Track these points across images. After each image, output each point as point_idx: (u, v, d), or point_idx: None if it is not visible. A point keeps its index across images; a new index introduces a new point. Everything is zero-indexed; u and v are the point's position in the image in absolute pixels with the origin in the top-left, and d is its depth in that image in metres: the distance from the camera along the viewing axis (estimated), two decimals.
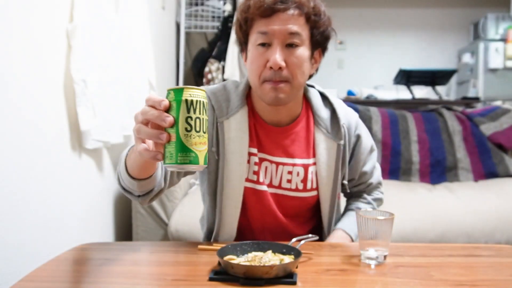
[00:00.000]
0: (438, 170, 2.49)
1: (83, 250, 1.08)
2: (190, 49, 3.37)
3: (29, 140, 1.27)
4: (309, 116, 1.11)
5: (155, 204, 1.98)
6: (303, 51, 0.99)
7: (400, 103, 3.32)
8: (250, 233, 1.12)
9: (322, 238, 1.14)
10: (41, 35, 1.32)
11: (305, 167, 1.08)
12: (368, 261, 0.95)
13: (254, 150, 1.07)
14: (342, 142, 1.07)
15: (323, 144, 1.08)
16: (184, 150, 0.68)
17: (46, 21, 1.35)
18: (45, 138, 1.35)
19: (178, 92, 0.69)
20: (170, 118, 0.68)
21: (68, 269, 0.99)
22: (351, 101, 3.04)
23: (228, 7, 3.34)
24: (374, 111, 2.62)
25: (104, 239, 1.84)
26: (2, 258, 1.13)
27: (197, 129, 0.69)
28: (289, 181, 1.08)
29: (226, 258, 0.89)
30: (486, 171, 2.49)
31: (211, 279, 0.84)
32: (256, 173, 1.07)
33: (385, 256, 0.95)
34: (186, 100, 0.69)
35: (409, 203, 2.11)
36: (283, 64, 0.96)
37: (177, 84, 3.29)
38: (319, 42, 1.03)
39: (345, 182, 1.14)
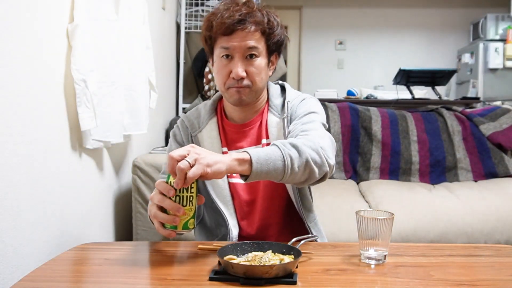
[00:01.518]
0: (437, 170, 2.49)
1: (83, 250, 1.08)
2: (190, 49, 3.36)
3: (29, 140, 1.27)
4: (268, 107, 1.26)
5: None
6: (261, 61, 1.15)
7: (400, 103, 3.33)
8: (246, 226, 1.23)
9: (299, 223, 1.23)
10: (41, 35, 1.32)
11: (263, 146, 1.21)
12: (368, 261, 0.95)
13: (225, 149, 1.23)
14: (284, 115, 1.19)
15: (272, 123, 1.21)
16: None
17: (46, 21, 1.35)
18: (45, 138, 1.35)
19: (168, 176, 0.90)
20: (182, 209, 0.89)
21: (68, 269, 0.99)
22: (351, 101, 3.04)
23: None
24: (374, 111, 2.62)
25: (104, 239, 1.84)
26: (2, 258, 1.13)
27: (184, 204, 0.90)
28: None
29: (226, 258, 0.89)
30: (486, 171, 2.49)
31: (211, 279, 0.84)
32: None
33: (385, 256, 0.95)
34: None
35: (409, 203, 2.11)
36: (244, 74, 1.13)
37: (177, 84, 3.29)
38: (275, 49, 1.19)
39: None
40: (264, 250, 0.95)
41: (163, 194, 0.90)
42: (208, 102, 1.27)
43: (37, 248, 1.29)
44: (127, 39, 1.87)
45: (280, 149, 0.95)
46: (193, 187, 0.90)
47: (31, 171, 1.27)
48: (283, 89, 1.28)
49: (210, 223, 1.26)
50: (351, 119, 2.54)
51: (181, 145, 1.25)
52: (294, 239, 1.00)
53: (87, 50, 1.51)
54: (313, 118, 1.14)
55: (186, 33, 3.33)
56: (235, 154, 0.93)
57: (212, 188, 1.22)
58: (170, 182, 0.89)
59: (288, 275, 0.84)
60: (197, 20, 3.36)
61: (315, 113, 1.17)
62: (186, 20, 3.31)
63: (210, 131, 1.23)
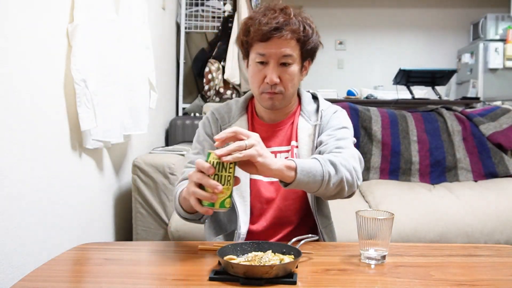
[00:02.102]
0: (437, 170, 2.49)
1: (83, 250, 1.08)
2: (190, 49, 3.36)
3: (29, 140, 1.27)
4: (300, 111, 1.30)
5: (155, 204, 1.98)
6: (294, 68, 1.18)
7: (400, 103, 3.32)
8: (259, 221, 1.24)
9: (315, 225, 1.24)
10: (41, 35, 1.33)
11: (292, 150, 1.25)
12: (368, 261, 0.95)
13: None
14: (318, 122, 1.24)
15: (304, 128, 1.25)
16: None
17: (46, 21, 1.35)
18: (45, 138, 1.35)
19: (208, 155, 0.93)
20: (220, 187, 0.91)
21: (68, 269, 0.99)
22: (351, 101, 3.04)
23: (228, 7, 3.34)
24: (374, 111, 2.62)
25: (104, 239, 1.84)
26: (2, 258, 1.13)
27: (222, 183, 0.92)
28: None
29: (226, 258, 0.89)
30: (486, 171, 2.49)
31: (211, 279, 0.84)
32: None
33: (385, 256, 0.95)
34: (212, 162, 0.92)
35: (409, 203, 2.11)
36: (277, 80, 1.16)
37: (177, 84, 3.29)
38: (309, 55, 1.22)
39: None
40: (264, 250, 0.95)
41: (202, 173, 0.92)
42: (240, 99, 1.31)
43: (37, 248, 1.29)
44: (127, 39, 1.88)
45: (321, 164, 1.03)
46: (231, 167, 0.93)
47: (31, 171, 1.27)
48: (314, 97, 1.33)
49: (222, 217, 1.26)
50: (351, 119, 2.51)
51: (209, 136, 1.26)
52: (294, 239, 1.00)
53: (87, 50, 1.51)
54: (346, 135, 1.21)
55: (186, 33, 3.33)
56: (284, 160, 1.00)
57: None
58: (210, 161, 0.92)
59: (288, 275, 0.84)
60: (197, 20, 3.36)
61: (347, 128, 1.24)
62: (186, 20, 3.31)
63: (239, 126, 1.22)
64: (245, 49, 1.21)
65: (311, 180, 1.00)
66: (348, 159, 1.09)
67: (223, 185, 0.92)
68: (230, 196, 0.94)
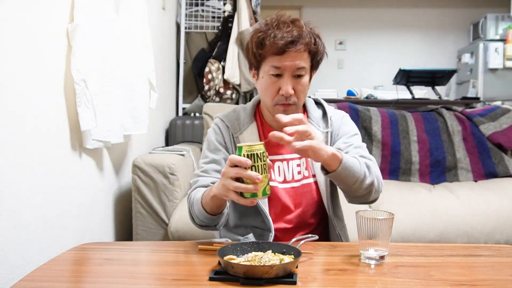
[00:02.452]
0: (437, 170, 2.49)
1: (83, 250, 1.08)
2: (190, 49, 3.36)
3: (29, 140, 1.27)
4: (306, 117, 1.31)
5: (155, 204, 1.98)
6: (306, 78, 1.21)
7: (400, 103, 3.32)
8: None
9: (327, 226, 1.29)
10: (41, 35, 1.33)
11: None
12: (368, 261, 0.95)
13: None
14: (329, 129, 1.28)
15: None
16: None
17: (46, 21, 1.35)
18: (45, 138, 1.35)
19: (240, 149, 0.96)
20: (260, 176, 0.94)
21: (68, 269, 0.99)
22: (351, 101, 3.04)
23: (228, 7, 3.33)
24: (374, 111, 2.62)
25: (104, 239, 1.84)
26: (2, 258, 1.13)
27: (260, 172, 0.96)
28: (299, 172, 1.27)
29: (226, 258, 0.89)
30: (486, 171, 2.49)
31: (211, 279, 0.84)
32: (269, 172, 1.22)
33: (384, 256, 0.95)
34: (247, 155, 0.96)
35: (409, 203, 2.11)
36: (292, 92, 1.18)
37: (177, 84, 3.29)
38: (317, 66, 1.26)
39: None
40: (264, 250, 0.95)
41: (237, 167, 0.95)
42: (248, 106, 1.33)
43: (37, 248, 1.29)
44: (127, 39, 1.88)
45: (359, 163, 1.10)
46: (265, 156, 0.96)
47: (31, 171, 1.27)
48: (316, 103, 1.36)
49: (254, 222, 1.26)
50: (351, 119, 2.54)
51: (221, 144, 1.28)
52: (294, 239, 1.00)
53: (87, 50, 1.51)
54: (361, 143, 1.26)
55: (186, 33, 3.33)
56: (333, 149, 1.05)
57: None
58: (244, 154, 0.95)
59: (288, 275, 0.84)
60: (197, 20, 3.36)
61: (358, 134, 1.30)
62: (186, 20, 3.31)
63: (251, 134, 1.27)
64: (257, 61, 1.22)
65: (350, 174, 1.07)
66: (376, 167, 1.18)
67: (261, 174, 0.95)
68: (268, 183, 0.97)
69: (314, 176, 1.27)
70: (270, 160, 1.23)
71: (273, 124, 1.28)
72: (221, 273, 0.85)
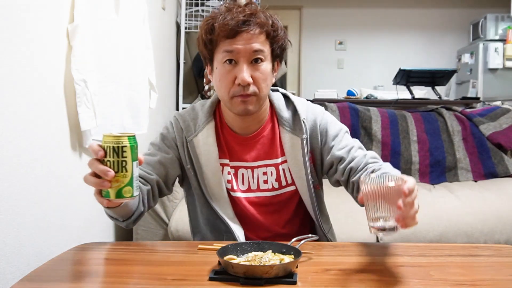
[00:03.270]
0: (437, 170, 2.49)
1: (83, 250, 1.08)
2: (190, 49, 3.36)
3: (29, 140, 1.27)
4: (274, 119, 1.19)
5: None
6: (266, 66, 1.08)
7: (400, 103, 3.32)
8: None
9: (314, 228, 1.23)
10: (41, 35, 1.33)
11: (276, 166, 1.17)
12: (378, 233, 0.86)
13: (226, 161, 1.18)
14: (304, 136, 1.15)
15: (288, 141, 1.16)
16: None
17: (46, 21, 1.35)
18: (45, 138, 1.35)
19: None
20: (111, 173, 0.84)
21: (68, 269, 0.99)
22: (351, 101, 3.04)
23: None
24: (373, 111, 2.62)
25: (104, 239, 1.84)
26: (2, 258, 1.13)
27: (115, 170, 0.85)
28: (265, 182, 1.17)
29: (226, 258, 0.89)
30: (486, 171, 2.49)
31: (211, 279, 0.84)
32: (230, 181, 1.17)
33: (395, 227, 0.87)
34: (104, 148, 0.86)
35: None
36: (250, 80, 1.05)
37: (177, 84, 3.29)
38: (278, 55, 1.12)
39: (339, 167, 1.16)
40: (264, 250, 0.95)
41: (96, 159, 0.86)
42: (206, 103, 1.19)
43: (37, 248, 1.29)
44: (127, 39, 1.88)
45: (390, 167, 1.07)
46: (125, 151, 0.86)
47: (31, 171, 1.27)
48: (285, 97, 1.21)
49: (218, 227, 1.20)
50: (351, 119, 2.54)
51: (171, 147, 1.16)
52: (294, 239, 1.00)
53: (87, 50, 1.51)
54: (354, 139, 1.18)
55: (186, 33, 3.33)
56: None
57: (216, 204, 1.18)
58: (103, 145, 0.86)
59: (288, 275, 0.84)
60: (197, 20, 3.36)
61: (344, 128, 1.19)
62: (186, 20, 3.31)
63: (206, 136, 1.15)
64: (209, 51, 1.09)
65: None
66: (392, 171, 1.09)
67: (116, 172, 0.84)
68: (131, 184, 0.86)
69: (289, 185, 1.17)
70: (233, 166, 1.16)
71: (234, 123, 1.16)
72: (221, 273, 0.85)
